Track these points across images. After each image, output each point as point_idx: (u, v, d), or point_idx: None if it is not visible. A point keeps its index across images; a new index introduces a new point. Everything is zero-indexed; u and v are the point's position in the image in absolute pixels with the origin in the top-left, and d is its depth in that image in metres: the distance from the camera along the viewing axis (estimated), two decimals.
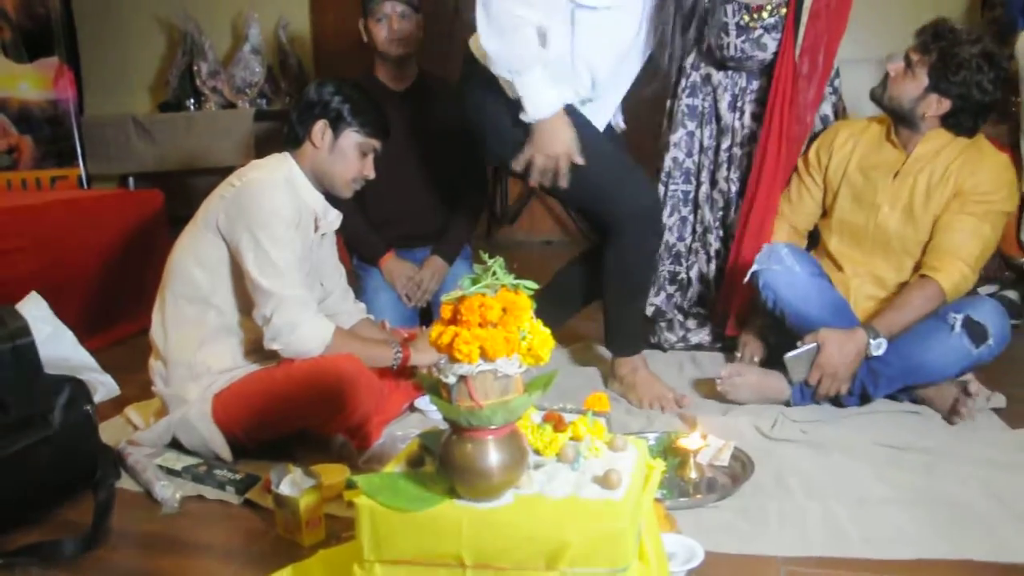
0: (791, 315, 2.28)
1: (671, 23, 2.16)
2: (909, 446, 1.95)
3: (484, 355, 1.02)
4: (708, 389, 2.35)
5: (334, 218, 2.15)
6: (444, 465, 1.10)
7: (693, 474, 1.79)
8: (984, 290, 3.06)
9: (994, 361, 2.16)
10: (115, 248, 3.05)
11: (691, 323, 2.75)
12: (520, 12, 1.98)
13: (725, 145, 2.63)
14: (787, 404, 2.22)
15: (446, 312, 1.05)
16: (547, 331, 1.08)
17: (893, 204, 2.30)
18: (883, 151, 2.34)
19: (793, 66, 2.47)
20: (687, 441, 1.81)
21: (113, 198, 3.42)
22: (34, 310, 1.83)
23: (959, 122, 2.23)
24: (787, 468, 1.84)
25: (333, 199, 2.13)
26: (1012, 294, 2.99)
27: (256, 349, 2.01)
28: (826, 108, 2.63)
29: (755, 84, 2.59)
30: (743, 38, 2.51)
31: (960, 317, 2.07)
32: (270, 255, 1.89)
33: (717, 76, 2.62)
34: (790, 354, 2.16)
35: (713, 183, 2.67)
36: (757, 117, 2.59)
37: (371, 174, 2.11)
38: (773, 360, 2.33)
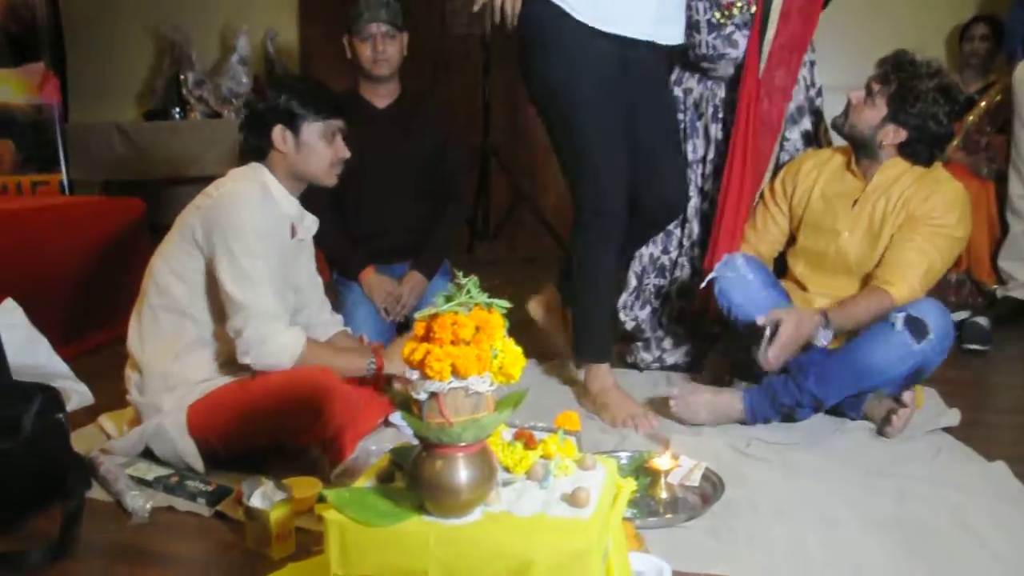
0: (743, 322, 2.31)
1: None
2: (882, 471, 1.96)
3: (456, 372, 1.03)
4: None
5: (311, 223, 2.15)
6: (414, 481, 1.11)
7: (664, 494, 1.80)
8: (956, 316, 3.10)
9: (972, 387, 2.19)
10: (93, 255, 3.04)
11: (667, 343, 2.77)
12: None
13: (711, 157, 2.65)
14: (742, 423, 2.24)
15: (419, 329, 1.06)
16: (519, 349, 1.09)
17: (853, 230, 2.35)
18: (844, 180, 2.40)
19: (757, 70, 2.49)
20: (659, 461, 1.82)
21: (93, 205, 3.42)
22: (9, 317, 1.83)
23: (915, 151, 2.30)
24: (758, 489, 1.86)
25: (311, 206, 2.13)
26: (983, 320, 3.03)
27: (233, 361, 2.00)
28: (806, 123, 2.65)
29: (735, 95, 2.59)
30: (714, 35, 2.52)
31: (901, 315, 2.12)
32: (243, 266, 1.90)
33: (698, 89, 2.64)
34: (758, 350, 2.18)
35: (703, 195, 2.68)
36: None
37: (346, 153, 2.09)
38: (744, 377, 2.38)
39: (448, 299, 1.04)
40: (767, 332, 2.17)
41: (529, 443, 1.25)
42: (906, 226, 2.26)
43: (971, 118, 3.80)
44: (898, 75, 2.26)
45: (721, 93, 2.62)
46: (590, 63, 2.20)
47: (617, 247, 2.37)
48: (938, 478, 1.93)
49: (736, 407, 2.24)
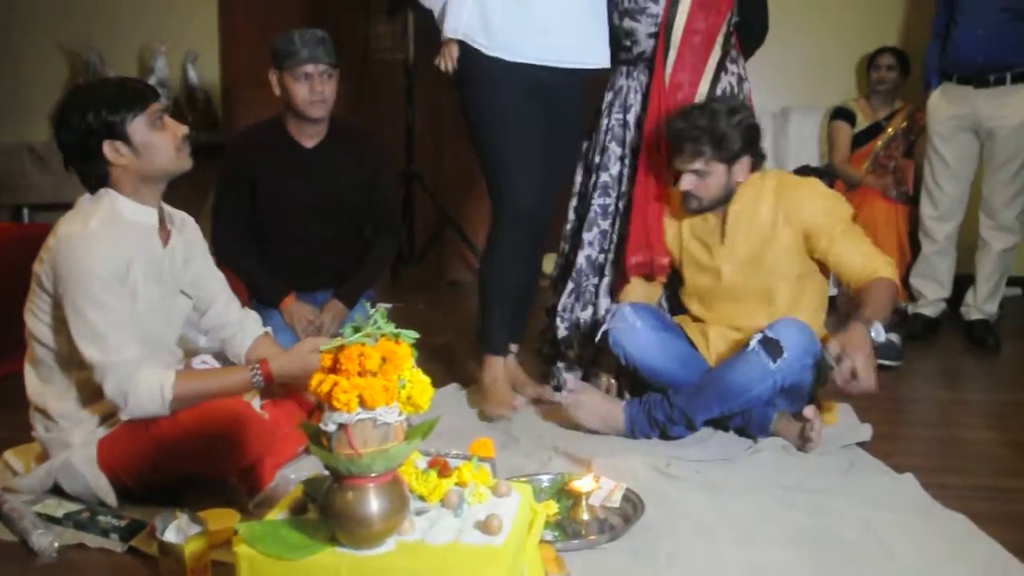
0: (641, 369, 2.40)
1: None
2: (798, 486, 2.01)
3: (363, 404, 1.03)
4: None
5: (183, 216, 2.06)
6: (325, 513, 1.10)
7: (585, 515, 1.81)
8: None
9: (877, 399, 2.26)
10: (2, 283, 2.93)
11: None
12: None
13: (628, 156, 2.71)
14: (626, 435, 2.32)
15: (326, 360, 1.05)
16: (427, 379, 1.09)
17: (732, 262, 2.43)
18: (706, 219, 2.46)
19: (663, 47, 2.61)
20: (580, 483, 1.83)
21: (1, 231, 3.29)
22: None
23: (757, 153, 2.41)
24: (678, 509, 1.88)
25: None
26: (894, 337, 3.13)
27: None
28: None
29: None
30: None
31: (758, 337, 2.19)
32: (89, 319, 1.79)
33: (621, 81, 2.72)
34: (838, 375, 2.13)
35: (622, 196, 2.72)
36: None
37: (184, 129, 1.92)
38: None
39: (356, 330, 1.04)
40: (843, 364, 2.12)
41: (443, 471, 1.25)
42: (823, 241, 2.32)
43: (879, 143, 3.97)
44: (705, 139, 2.31)
45: (643, 78, 2.69)
46: (499, 91, 2.46)
47: (528, 255, 2.61)
48: (850, 491, 1.98)
49: (619, 418, 2.32)
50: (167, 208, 2.03)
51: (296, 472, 2.02)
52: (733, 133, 2.32)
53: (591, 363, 2.67)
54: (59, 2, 4.67)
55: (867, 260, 2.30)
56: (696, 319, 2.54)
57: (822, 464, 2.16)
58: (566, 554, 1.63)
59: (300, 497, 1.22)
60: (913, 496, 1.97)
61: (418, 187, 4.45)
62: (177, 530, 1.58)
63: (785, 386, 2.19)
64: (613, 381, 2.54)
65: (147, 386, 1.82)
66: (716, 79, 2.66)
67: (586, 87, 2.62)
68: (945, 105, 3.36)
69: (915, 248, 3.64)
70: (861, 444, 2.29)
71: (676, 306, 2.65)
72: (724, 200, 2.40)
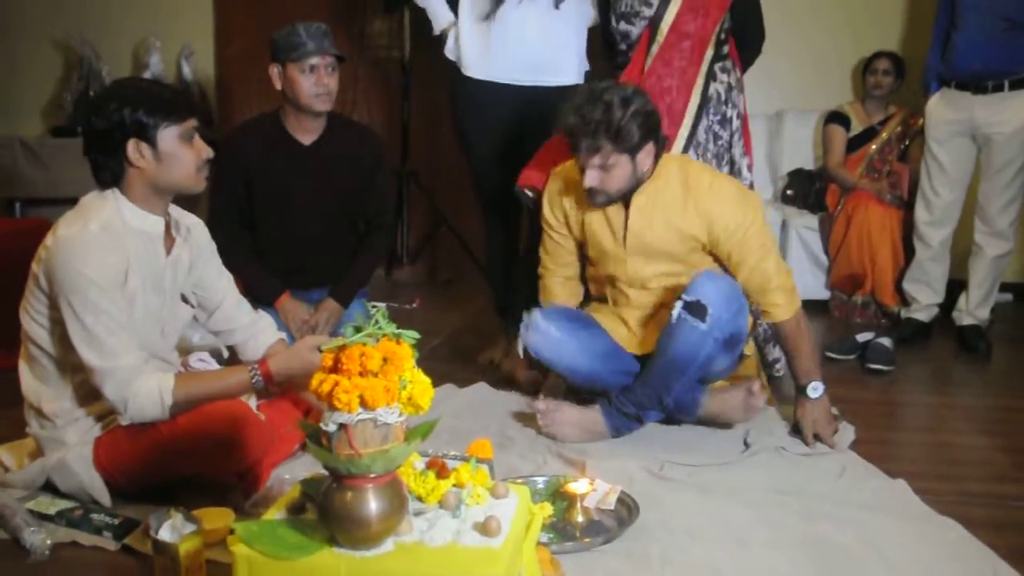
0: (567, 374, 2.39)
1: None
2: (790, 490, 2.01)
3: (364, 404, 1.03)
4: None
5: (193, 225, 2.03)
6: (323, 513, 1.10)
7: (580, 518, 1.81)
8: (861, 337, 3.22)
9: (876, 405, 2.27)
10: None
11: None
12: None
13: None
14: (613, 437, 2.33)
15: (327, 360, 1.05)
16: (427, 380, 1.09)
17: (635, 253, 2.35)
18: (606, 210, 2.36)
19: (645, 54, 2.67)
20: (575, 485, 1.84)
21: None
22: None
23: (659, 139, 2.27)
24: (672, 512, 1.89)
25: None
26: (886, 341, 3.14)
27: None
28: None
29: None
30: None
31: (679, 304, 2.17)
32: (86, 324, 1.76)
33: None
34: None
35: None
36: None
37: (209, 153, 1.90)
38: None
39: (357, 330, 1.04)
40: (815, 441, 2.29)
41: (441, 472, 1.25)
42: (724, 251, 2.29)
43: (873, 147, 3.98)
44: (603, 133, 2.16)
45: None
46: (475, 105, 2.88)
47: (503, 234, 3.07)
48: (843, 496, 1.99)
49: (600, 422, 2.31)
50: (176, 215, 2.00)
51: (290, 472, 2.02)
52: (630, 124, 2.17)
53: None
54: None
55: (764, 289, 2.27)
56: (599, 299, 2.50)
57: (815, 468, 2.17)
58: (561, 556, 1.63)
59: (298, 497, 1.21)
60: (905, 501, 1.98)
61: (413, 186, 4.44)
62: (172, 529, 1.57)
63: (726, 337, 2.18)
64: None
65: (147, 391, 1.81)
66: (705, 86, 2.68)
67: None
68: (943, 110, 3.38)
69: (909, 253, 3.65)
70: (851, 447, 2.30)
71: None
72: (633, 190, 2.29)
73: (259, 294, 2.74)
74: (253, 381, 1.95)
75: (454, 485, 1.23)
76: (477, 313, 3.78)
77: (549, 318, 2.35)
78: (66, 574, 1.66)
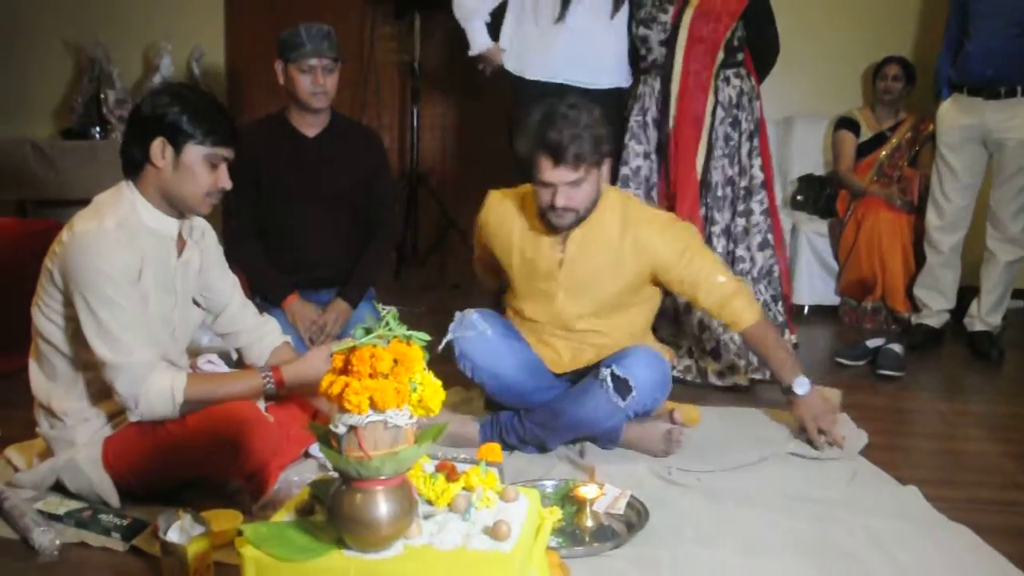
0: (488, 379, 2.27)
1: None
2: (801, 495, 2.01)
3: (374, 406, 1.02)
4: None
5: (203, 227, 2.04)
6: (333, 515, 1.09)
7: (589, 522, 1.81)
8: (872, 343, 3.21)
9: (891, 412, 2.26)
10: (5, 278, 2.92)
11: None
12: None
13: (652, 149, 2.98)
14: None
15: (337, 362, 1.04)
16: (438, 382, 1.09)
17: (566, 292, 2.30)
18: (540, 242, 2.29)
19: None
20: (584, 490, 1.83)
21: (7, 227, 3.28)
22: None
23: (609, 154, 2.23)
24: (682, 516, 1.88)
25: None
26: (897, 347, 3.13)
27: None
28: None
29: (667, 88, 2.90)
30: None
31: (608, 372, 2.14)
32: (101, 319, 1.77)
33: (640, 88, 2.99)
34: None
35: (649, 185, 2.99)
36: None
37: (227, 185, 1.91)
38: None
39: (367, 331, 1.03)
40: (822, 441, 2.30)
41: (451, 475, 1.24)
42: (675, 277, 2.25)
43: (883, 153, 3.96)
44: (580, 132, 2.08)
45: (656, 84, 2.94)
46: (523, 105, 2.74)
47: None
48: (854, 501, 1.98)
49: (474, 439, 2.27)
50: (189, 218, 2.00)
51: (299, 475, 2.02)
52: (603, 131, 2.13)
53: None
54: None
55: (724, 301, 2.26)
56: (528, 319, 2.38)
57: (825, 474, 2.16)
58: (570, 561, 1.63)
59: (307, 499, 1.21)
60: (916, 507, 1.97)
61: (423, 189, 4.44)
62: (180, 530, 1.57)
63: (637, 413, 2.21)
64: None
65: (159, 388, 1.81)
66: (716, 89, 2.87)
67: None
68: (955, 115, 3.37)
69: (919, 258, 3.64)
70: (862, 453, 2.29)
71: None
72: (582, 218, 2.21)
73: (268, 294, 2.76)
74: (266, 387, 1.96)
75: (464, 488, 1.23)
76: None
77: (485, 318, 2.29)
78: (74, 574, 1.66)
